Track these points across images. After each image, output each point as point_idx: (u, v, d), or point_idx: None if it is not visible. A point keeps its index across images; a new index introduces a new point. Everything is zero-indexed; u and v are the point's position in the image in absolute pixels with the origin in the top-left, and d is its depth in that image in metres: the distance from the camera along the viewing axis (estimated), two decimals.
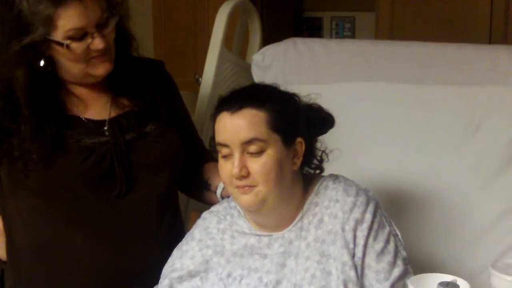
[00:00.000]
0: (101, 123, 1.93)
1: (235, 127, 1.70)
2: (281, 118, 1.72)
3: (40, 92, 1.83)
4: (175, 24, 4.05)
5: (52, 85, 1.88)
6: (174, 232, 2.01)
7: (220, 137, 1.73)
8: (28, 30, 1.76)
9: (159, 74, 2.10)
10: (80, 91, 1.93)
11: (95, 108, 1.95)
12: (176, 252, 1.86)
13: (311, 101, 1.85)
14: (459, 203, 2.25)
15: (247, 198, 1.71)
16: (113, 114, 1.94)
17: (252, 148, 1.69)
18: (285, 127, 1.72)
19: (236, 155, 1.70)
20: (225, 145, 1.72)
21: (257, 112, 1.70)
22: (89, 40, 1.79)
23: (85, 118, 1.92)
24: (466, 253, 2.21)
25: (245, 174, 1.69)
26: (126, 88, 1.97)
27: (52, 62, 1.82)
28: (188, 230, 1.94)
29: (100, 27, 1.80)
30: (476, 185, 2.25)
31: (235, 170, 1.69)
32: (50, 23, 1.74)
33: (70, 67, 1.84)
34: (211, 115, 1.79)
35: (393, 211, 1.91)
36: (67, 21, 1.75)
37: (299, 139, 1.77)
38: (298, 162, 1.78)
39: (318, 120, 1.85)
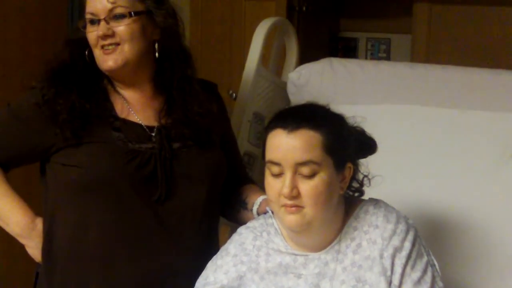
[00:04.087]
0: (150, 129, 1.98)
1: (290, 147, 1.67)
2: (336, 142, 1.70)
3: (91, 85, 1.97)
4: (211, 39, 4.08)
5: (102, 86, 2.00)
6: (209, 244, 2.03)
7: (273, 154, 1.71)
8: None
9: (213, 97, 2.13)
10: (131, 96, 2.01)
11: (146, 114, 2.01)
12: (210, 266, 1.85)
13: (355, 124, 1.84)
14: (492, 229, 2.23)
15: (293, 219, 1.69)
16: (163, 122, 2.00)
17: (305, 170, 1.67)
18: (338, 151, 1.70)
19: (288, 175, 1.67)
20: (277, 164, 1.69)
21: (314, 133, 1.68)
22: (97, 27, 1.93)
23: (135, 122, 1.98)
24: (499, 280, 2.19)
25: (295, 194, 1.67)
26: (180, 104, 2.01)
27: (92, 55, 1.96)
28: (219, 244, 1.95)
29: (112, 19, 1.91)
30: (510, 212, 2.23)
31: (286, 190, 1.66)
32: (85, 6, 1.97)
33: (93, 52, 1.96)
34: (264, 128, 1.78)
35: (425, 236, 1.90)
36: (87, 5, 1.95)
37: (349, 164, 1.76)
38: (345, 186, 1.77)
39: (363, 145, 1.84)
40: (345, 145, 1.74)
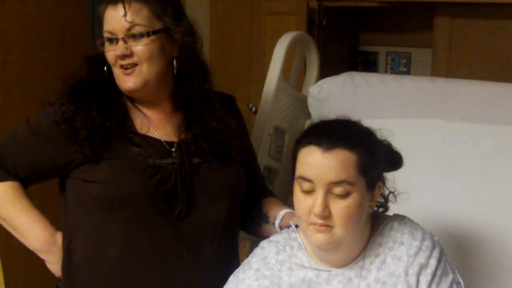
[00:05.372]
0: (170, 144, 1.98)
1: (325, 166, 1.65)
2: (369, 162, 1.68)
3: (110, 102, 1.96)
4: (231, 53, 4.09)
5: (121, 102, 1.99)
6: (229, 259, 2.03)
7: (306, 171, 1.68)
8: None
9: (232, 110, 2.14)
10: (150, 113, 2.01)
11: (165, 130, 2.01)
12: (232, 280, 1.84)
13: (383, 137, 1.82)
14: None
15: (322, 237, 1.67)
16: (183, 137, 1.99)
17: (339, 190, 1.65)
18: (371, 171, 1.69)
19: (320, 193, 1.66)
20: (309, 181, 1.67)
21: (350, 154, 1.66)
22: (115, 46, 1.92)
23: (155, 138, 1.98)
24: None
25: (327, 214, 1.65)
26: (199, 120, 2.01)
27: (111, 71, 1.97)
28: (241, 258, 1.94)
29: (130, 38, 1.91)
30: None
31: (318, 209, 1.65)
32: (102, 24, 1.95)
33: (113, 70, 1.96)
34: (295, 142, 1.75)
35: (450, 253, 1.88)
36: (105, 23, 1.94)
37: (379, 183, 1.75)
38: (373, 205, 1.76)
39: (390, 160, 1.82)
40: (377, 164, 1.73)
